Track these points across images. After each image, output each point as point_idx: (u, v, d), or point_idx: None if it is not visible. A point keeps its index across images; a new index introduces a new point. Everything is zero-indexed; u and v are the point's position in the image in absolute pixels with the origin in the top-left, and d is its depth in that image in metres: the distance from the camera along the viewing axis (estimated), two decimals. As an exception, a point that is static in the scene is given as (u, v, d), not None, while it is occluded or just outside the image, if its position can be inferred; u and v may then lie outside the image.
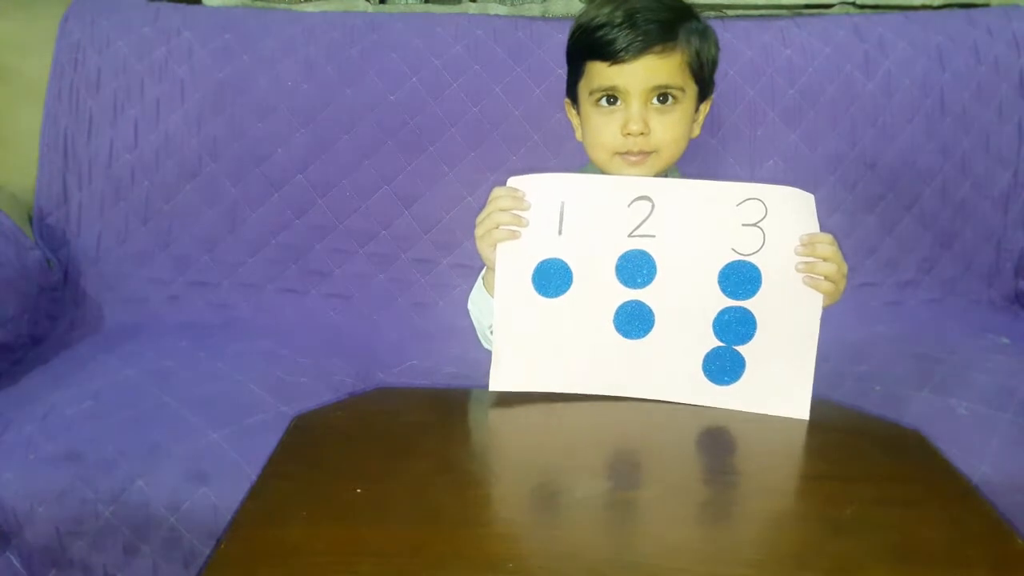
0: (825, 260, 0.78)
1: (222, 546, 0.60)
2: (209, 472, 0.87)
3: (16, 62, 1.33)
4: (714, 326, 0.81)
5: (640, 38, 0.83)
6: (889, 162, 1.34)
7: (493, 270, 0.83)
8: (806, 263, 0.78)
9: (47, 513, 0.85)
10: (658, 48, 0.84)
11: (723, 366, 0.82)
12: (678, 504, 0.69)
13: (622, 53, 0.83)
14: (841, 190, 1.33)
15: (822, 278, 0.78)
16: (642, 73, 0.84)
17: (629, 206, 0.80)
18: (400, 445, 0.77)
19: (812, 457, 0.77)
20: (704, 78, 0.89)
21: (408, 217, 1.33)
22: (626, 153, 0.86)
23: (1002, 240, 1.37)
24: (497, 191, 0.82)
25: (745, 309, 0.80)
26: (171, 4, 1.39)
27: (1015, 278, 1.38)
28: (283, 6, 1.45)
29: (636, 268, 0.81)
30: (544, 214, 0.81)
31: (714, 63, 0.90)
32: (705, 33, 0.88)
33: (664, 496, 0.70)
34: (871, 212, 1.35)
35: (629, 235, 0.80)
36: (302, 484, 0.69)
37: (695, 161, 1.30)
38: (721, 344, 0.81)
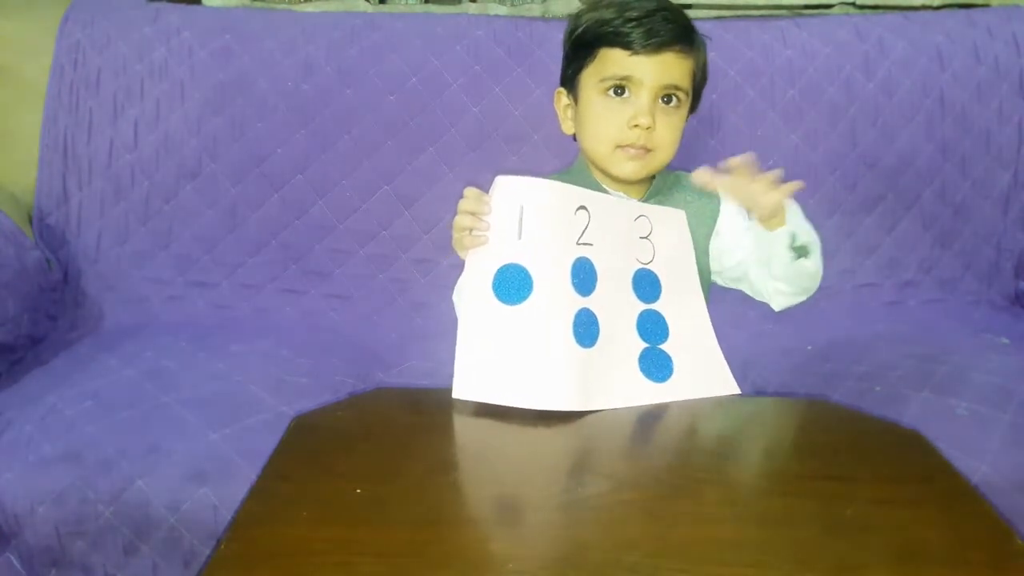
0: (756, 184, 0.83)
1: (222, 546, 0.60)
2: (209, 472, 0.87)
3: (16, 62, 1.33)
4: (637, 329, 0.85)
5: (663, 34, 0.84)
6: (889, 162, 1.34)
7: None
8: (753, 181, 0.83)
9: (47, 513, 0.85)
10: (678, 47, 0.86)
11: (656, 365, 0.85)
12: (678, 504, 0.69)
13: (644, 45, 0.84)
14: (841, 190, 1.33)
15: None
16: (660, 68, 0.85)
17: (575, 214, 0.82)
18: (400, 445, 0.77)
19: (812, 457, 0.77)
20: (699, 90, 0.91)
21: (408, 217, 1.33)
22: (627, 147, 0.87)
23: (1002, 240, 1.37)
24: (466, 192, 0.82)
25: (656, 311, 0.86)
26: (171, 4, 1.39)
27: (1015, 278, 1.38)
28: (283, 6, 1.45)
29: (585, 276, 0.83)
30: (505, 217, 0.81)
31: (706, 78, 0.93)
32: (705, 48, 0.91)
33: (665, 496, 0.70)
34: (871, 212, 1.35)
35: (577, 243, 0.82)
36: (302, 484, 0.69)
37: (696, 162, 1.30)
38: (647, 345, 0.85)
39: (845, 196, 1.33)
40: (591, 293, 0.82)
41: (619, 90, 0.86)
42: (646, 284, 0.86)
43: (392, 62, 1.33)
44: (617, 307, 0.84)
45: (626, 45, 0.85)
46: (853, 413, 0.90)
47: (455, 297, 0.93)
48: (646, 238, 0.87)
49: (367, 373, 1.09)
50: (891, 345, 1.13)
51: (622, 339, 0.84)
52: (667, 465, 0.76)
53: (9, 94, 1.33)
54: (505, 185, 0.82)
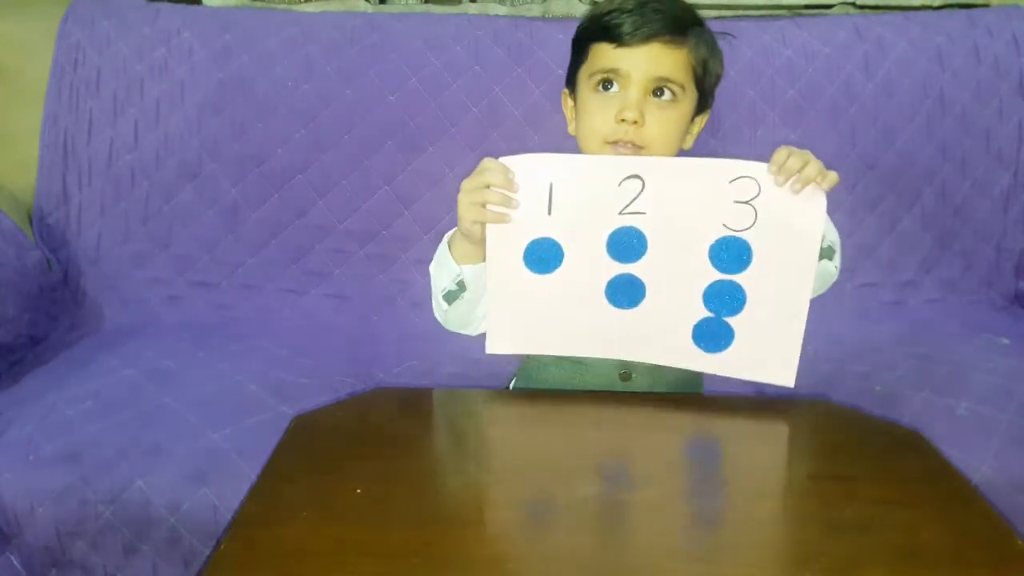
0: (802, 167, 0.78)
1: (222, 546, 0.60)
2: (209, 472, 0.87)
3: (16, 62, 1.33)
4: (704, 297, 0.82)
5: (649, 24, 0.82)
6: (889, 162, 1.34)
7: (469, 239, 0.82)
8: (795, 181, 0.78)
9: (47, 513, 0.85)
10: (666, 38, 0.83)
11: (713, 336, 0.83)
12: (678, 505, 0.69)
13: (629, 36, 0.82)
14: (841, 190, 1.32)
15: (813, 181, 0.79)
16: (646, 60, 0.83)
17: (620, 185, 0.80)
18: (400, 445, 0.77)
19: (812, 457, 0.77)
20: (705, 89, 0.88)
21: (408, 217, 1.33)
22: (616, 143, 0.84)
23: (1002, 240, 1.37)
24: (488, 163, 0.79)
25: (735, 283, 0.81)
26: (171, 4, 1.39)
27: (1015, 278, 1.38)
28: (283, 6, 1.45)
29: (627, 244, 0.81)
30: (533, 194, 0.80)
31: (717, 79, 0.89)
32: (715, 48, 0.88)
33: (664, 497, 0.70)
34: (871, 212, 1.35)
35: (620, 213, 0.80)
36: (302, 484, 0.69)
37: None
38: (710, 315, 0.82)
39: (845, 196, 1.33)
40: (637, 259, 0.82)
41: (607, 84, 0.84)
42: (730, 253, 0.81)
43: (392, 62, 1.33)
44: (676, 274, 0.82)
45: (612, 37, 0.83)
46: (853, 413, 0.90)
47: (432, 268, 0.91)
48: (747, 203, 0.80)
49: (367, 373, 1.09)
50: (891, 345, 1.13)
51: (677, 304, 0.83)
52: (667, 465, 0.76)
53: (9, 94, 1.33)
54: (533, 162, 0.80)
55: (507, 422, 0.83)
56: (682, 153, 0.91)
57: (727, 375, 0.83)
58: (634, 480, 0.73)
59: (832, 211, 1.40)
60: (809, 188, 0.79)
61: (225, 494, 0.85)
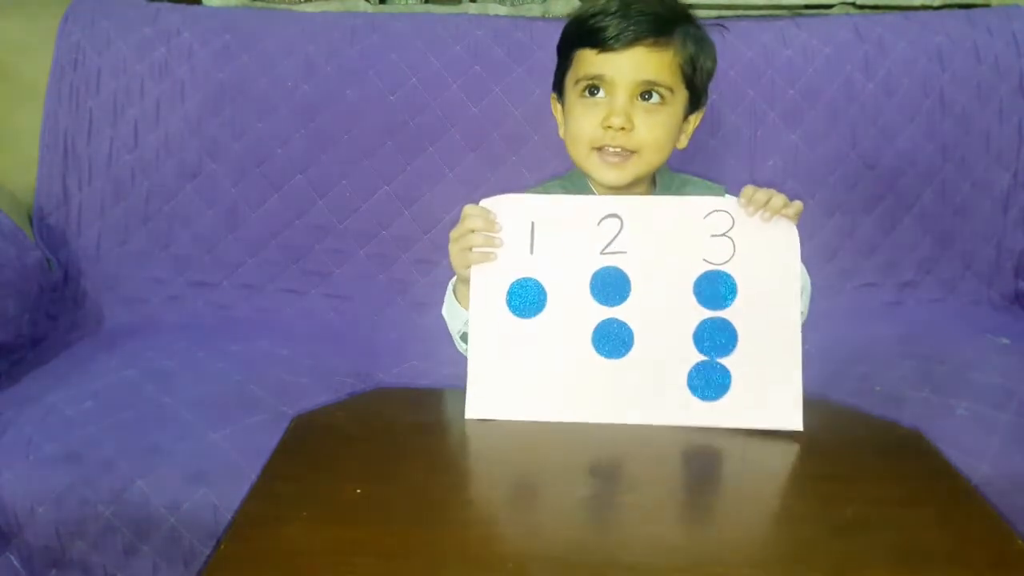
0: (768, 200, 0.80)
1: (222, 546, 0.60)
2: (209, 472, 0.87)
3: (16, 62, 1.33)
4: (695, 339, 0.81)
5: (632, 27, 0.81)
6: (889, 162, 1.34)
7: (466, 283, 0.84)
8: (764, 211, 0.80)
9: (47, 513, 0.85)
10: (650, 41, 0.82)
11: (709, 380, 0.81)
12: (678, 504, 0.69)
13: (612, 41, 0.81)
14: (841, 190, 1.33)
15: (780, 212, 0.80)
16: (630, 65, 0.82)
17: (599, 224, 0.81)
18: (400, 445, 0.77)
19: (812, 457, 0.77)
20: (697, 86, 0.87)
21: (408, 217, 1.33)
22: (603, 148, 0.84)
23: (1002, 240, 1.37)
24: (469, 209, 0.81)
25: (724, 319, 0.81)
26: (171, 4, 1.39)
27: (1015, 278, 1.38)
28: (283, 6, 1.45)
29: (611, 285, 0.81)
30: (515, 234, 0.81)
31: (709, 74, 0.88)
32: (704, 41, 0.87)
33: (664, 497, 0.70)
34: (871, 213, 1.35)
35: (601, 252, 0.81)
36: (302, 484, 0.69)
37: (695, 162, 1.31)
38: (704, 358, 0.81)
39: (845, 196, 1.33)
40: (621, 303, 0.81)
41: (593, 89, 0.84)
42: (715, 288, 0.81)
43: (392, 62, 1.32)
44: (663, 314, 0.81)
45: (595, 43, 0.82)
46: (853, 413, 0.90)
47: (444, 313, 0.92)
48: (724, 235, 0.81)
49: (367, 373, 1.09)
50: (891, 345, 1.13)
51: (669, 350, 0.81)
52: (666, 466, 0.76)
53: (9, 94, 1.33)
54: (514, 203, 0.82)
55: (507, 422, 0.82)
56: (678, 154, 0.91)
57: (729, 426, 0.80)
58: (634, 480, 0.73)
59: (832, 211, 1.41)
60: (777, 218, 0.80)
61: (225, 494, 0.85)
